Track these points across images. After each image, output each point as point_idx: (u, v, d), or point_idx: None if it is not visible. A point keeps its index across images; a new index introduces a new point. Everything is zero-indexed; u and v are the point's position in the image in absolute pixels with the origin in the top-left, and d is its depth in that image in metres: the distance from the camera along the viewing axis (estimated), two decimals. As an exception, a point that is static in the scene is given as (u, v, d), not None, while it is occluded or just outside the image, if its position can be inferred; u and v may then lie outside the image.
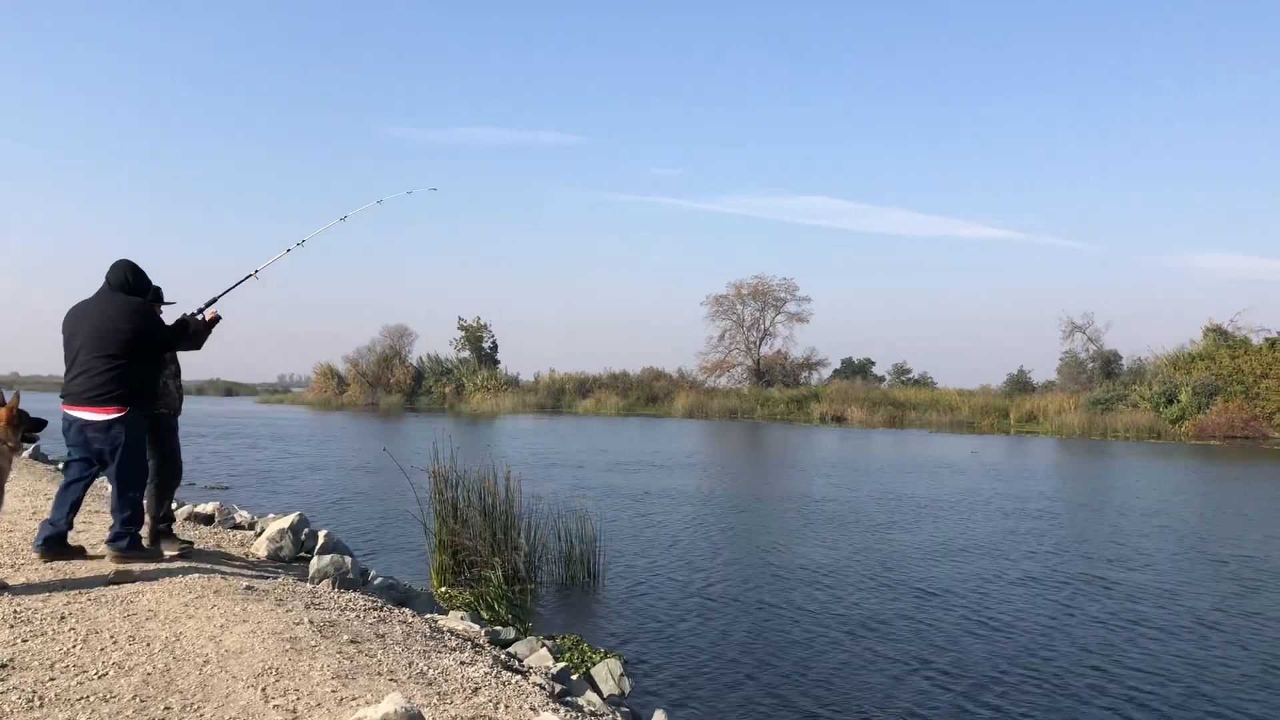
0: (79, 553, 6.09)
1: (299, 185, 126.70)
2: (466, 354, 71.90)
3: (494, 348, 72.60)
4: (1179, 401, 43.25)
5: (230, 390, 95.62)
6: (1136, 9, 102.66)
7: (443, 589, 9.02)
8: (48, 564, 5.93)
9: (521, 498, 9.88)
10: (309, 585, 6.04)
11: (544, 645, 6.05)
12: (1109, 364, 55.06)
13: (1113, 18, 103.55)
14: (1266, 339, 45.70)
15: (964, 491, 18.77)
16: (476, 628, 6.06)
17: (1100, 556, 11.76)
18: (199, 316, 6.59)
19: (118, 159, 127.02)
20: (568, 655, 6.68)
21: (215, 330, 6.67)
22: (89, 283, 6.29)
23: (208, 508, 9.24)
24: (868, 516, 14.88)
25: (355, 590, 6.12)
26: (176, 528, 7.30)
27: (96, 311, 5.99)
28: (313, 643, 4.47)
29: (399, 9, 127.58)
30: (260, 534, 7.64)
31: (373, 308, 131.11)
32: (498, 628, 6.38)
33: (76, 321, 6.03)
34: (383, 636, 4.85)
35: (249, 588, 5.57)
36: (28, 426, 5.69)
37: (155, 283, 6.60)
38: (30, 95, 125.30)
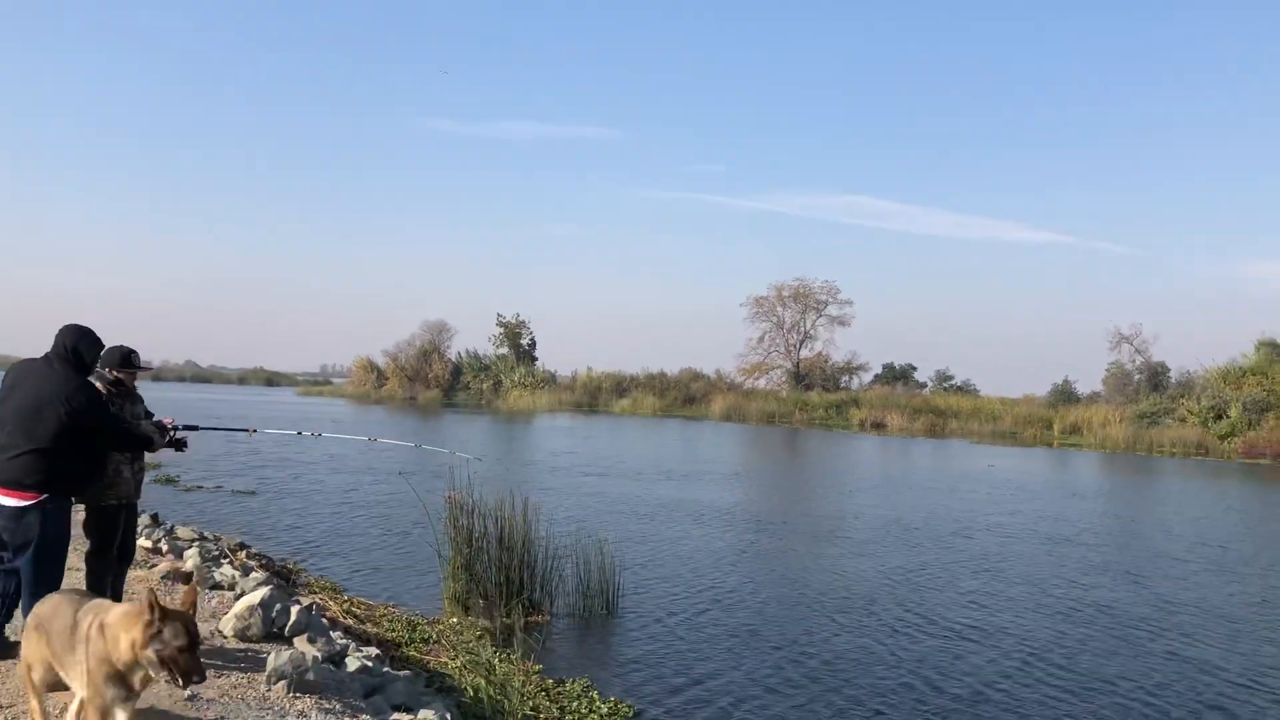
0: (14, 649, 5.23)
1: (336, 179, 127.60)
2: (505, 350, 72.09)
3: (532, 344, 72.79)
4: (1229, 417, 42.12)
5: (271, 380, 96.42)
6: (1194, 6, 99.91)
7: (454, 620, 8.84)
8: None
9: (540, 524, 9.69)
10: (263, 689, 5.43)
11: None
12: (1156, 376, 53.83)
13: (1169, 17, 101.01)
14: (1321, 354, 44.38)
15: (1005, 513, 18.30)
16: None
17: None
18: (171, 432, 6.11)
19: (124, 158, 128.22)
20: (574, 707, 6.42)
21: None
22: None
23: (186, 564, 8.76)
24: (898, 541, 14.46)
25: (314, 694, 5.59)
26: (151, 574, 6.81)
27: (33, 384, 5.30)
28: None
29: (436, 4, 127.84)
30: (240, 596, 7.22)
31: (413, 303, 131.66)
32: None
33: (10, 387, 5.39)
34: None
35: (192, 696, 4.98)
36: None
37: (129, 345, 6.04)
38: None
